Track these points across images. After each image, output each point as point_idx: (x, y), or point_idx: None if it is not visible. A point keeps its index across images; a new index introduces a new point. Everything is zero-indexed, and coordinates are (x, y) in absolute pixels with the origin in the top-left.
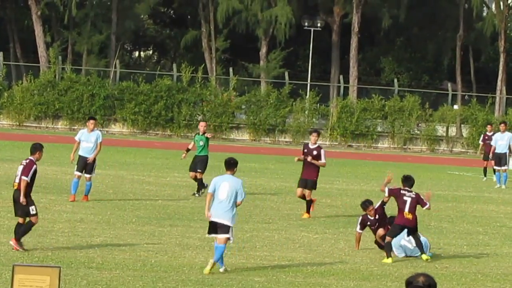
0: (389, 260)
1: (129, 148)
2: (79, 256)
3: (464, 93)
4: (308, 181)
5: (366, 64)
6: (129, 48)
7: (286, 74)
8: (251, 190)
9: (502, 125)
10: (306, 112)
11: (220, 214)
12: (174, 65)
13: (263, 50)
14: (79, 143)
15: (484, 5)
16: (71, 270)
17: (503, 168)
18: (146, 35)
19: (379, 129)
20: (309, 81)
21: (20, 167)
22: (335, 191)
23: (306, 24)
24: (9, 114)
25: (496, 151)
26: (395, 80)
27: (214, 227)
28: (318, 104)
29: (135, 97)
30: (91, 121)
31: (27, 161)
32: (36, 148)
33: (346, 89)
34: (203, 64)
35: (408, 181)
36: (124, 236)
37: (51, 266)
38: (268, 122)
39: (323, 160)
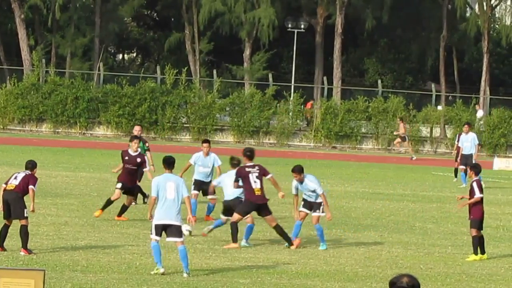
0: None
1: (113, 151)
2: (63, 259)
3: (448, 94)
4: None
5: (350, 65)
6: (112, 51)
7: (270, 76)
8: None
9: (466, 126)
10: (290, 113)
11: (170, 214)
12: (158, 68)
13: (247, 52)
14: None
15: (467, 5)
16: (55, 273)
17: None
18: (130, 37)
19: (363, 130)
20: (293, 82)
21: (21, 175)
22: None
23: (289, 25)
24: None
25: (463, 152)
26: (379, 81)
27: (164, 229)
28: (302, 106)
29: (119, 100)
30: (205, 144)
31: (28, 174)
32: (34, 166)
33: (330, 90)
34: (187, 67)
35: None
36: (108, 239)
37: (35, 269)
38: (252, 124)
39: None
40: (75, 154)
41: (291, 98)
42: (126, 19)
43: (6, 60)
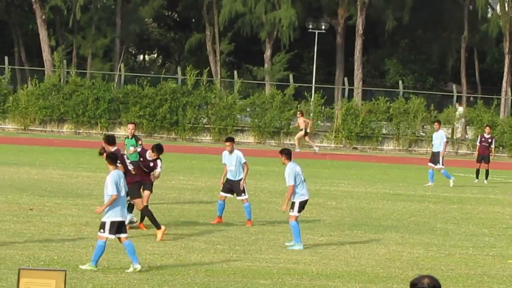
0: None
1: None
2: (84, 260)
3: (469, 95)
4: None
5: (371, 66)
6: (133, 52)
7: (291, 76)
8: (256, 193)
9: (436, 124)
10: (311, 114)
11: (123, 212)
12: (179, 68)
13: (268, 52)
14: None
15: (488, 6)
16: (76, 273)
17: (438, 166)
18: (151, 38)
19: (384, 131)
20: (313, 83)
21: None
22: (340, 193)
23: (310, 26)
24: (14, 118)
25: (433, 150)
26: (400, 82)
27: (116, 226)
28: (323, 107)
29: (140, 101)
30: (227, 143)
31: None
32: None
33: (351, 91)
34: (208, 67)
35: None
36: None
37: (56, 269)
38: (273, 124)
39: None
40: (96, 155)
41: (312, 99)
42: (146, 19)
43: (28, 61)
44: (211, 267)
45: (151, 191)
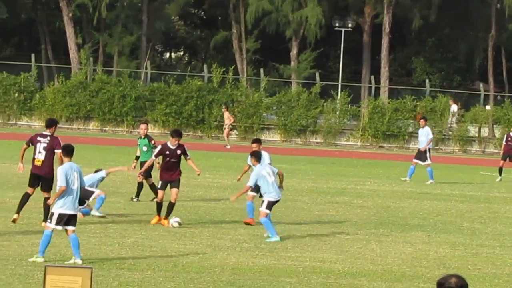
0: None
1: None
2: (110, 257)
3: (496, 94)
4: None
5: (397, 65)
6: (160, 49)
7: (317, 74)
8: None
9: (422, 120)
10: (337, 112)
11: (74, 204)
12: (205, 66)
13: (294, 51)
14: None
15: None
16: (102, 271)
17: (425, 163)
18: (177, 36)
19: (410, 129)
20: (340, 81)
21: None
22: (366, 192)
23: (336, 24)
24: (41, 115)
25: (419, 146)
26: (427, 81)
27: (65, 219)
28: (349, 105)
29: (166, 98)
30: (254, 144)
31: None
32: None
33: (377, 89)
34: (234, 65)
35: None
36: (155, 237)
37: (83, 267)
38: (299, 122)
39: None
40: (121, 152)
41: (338, 97)
42: (173, 17)
43: (54, 58)
44: (237, 265)
45: (178, 188)
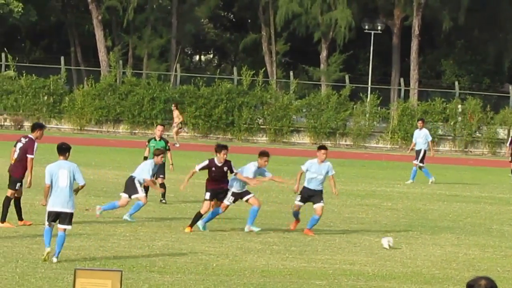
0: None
1: (190, 152)
2: (140, 260)
3: None
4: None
5: (427, 67)
6: (189, 52)
7: (347, 77)
8: None
9: (420, 122)
10: (367, 115)
11: (63, 202)
12: (235, 69)
13: (323, 53)
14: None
15: None
16: (132, 274)
17: (414, 162)
18: (206, 38)
19: (440, 132)
20: (369, 84)
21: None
22: (396, 194)
23: (366, 27)
24: (71, 118)
25: (416, 148)
26: (456, 83)
27: (56, 217)
28: (379, 107)
29: (196, 101)
30: (322, 151)
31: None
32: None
33: (407, 92)
34: (264, 68)
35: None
36: (185, 239)
37: (112, 270)
38: (329, 125)
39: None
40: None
41: (368, 100)
42: (202, 20)
43: (84, 61)
44: (267, 267)
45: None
